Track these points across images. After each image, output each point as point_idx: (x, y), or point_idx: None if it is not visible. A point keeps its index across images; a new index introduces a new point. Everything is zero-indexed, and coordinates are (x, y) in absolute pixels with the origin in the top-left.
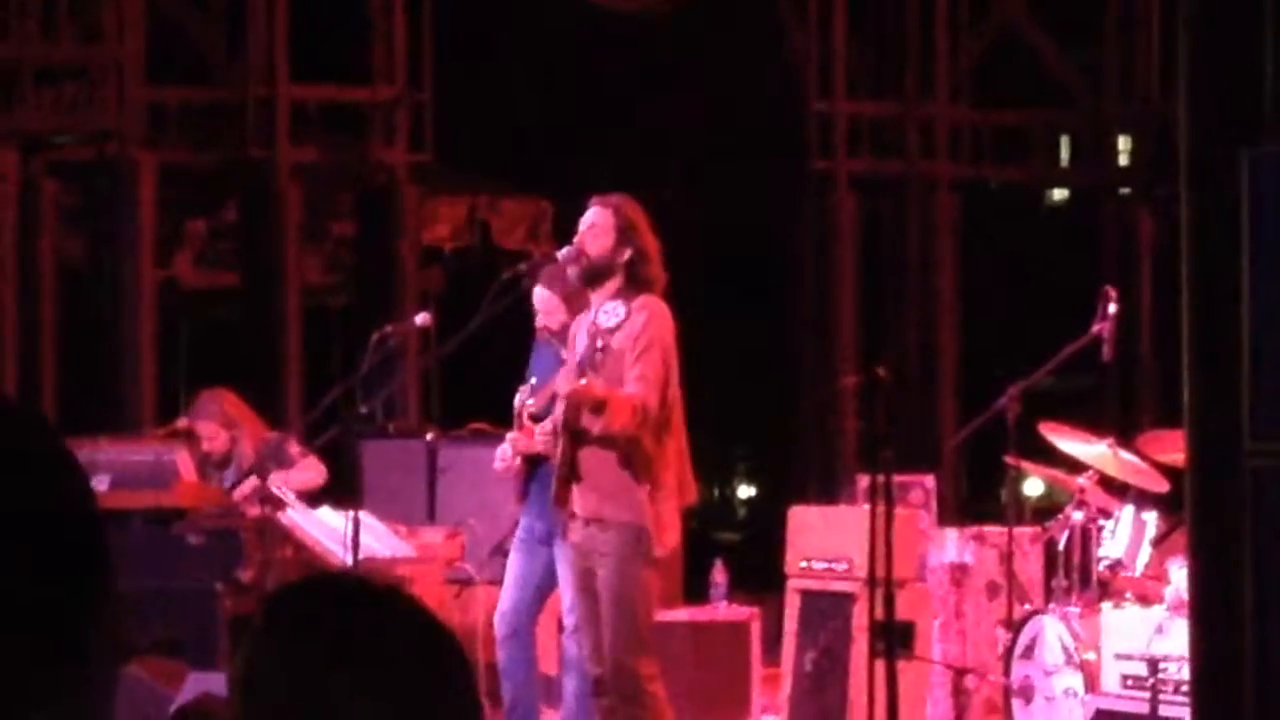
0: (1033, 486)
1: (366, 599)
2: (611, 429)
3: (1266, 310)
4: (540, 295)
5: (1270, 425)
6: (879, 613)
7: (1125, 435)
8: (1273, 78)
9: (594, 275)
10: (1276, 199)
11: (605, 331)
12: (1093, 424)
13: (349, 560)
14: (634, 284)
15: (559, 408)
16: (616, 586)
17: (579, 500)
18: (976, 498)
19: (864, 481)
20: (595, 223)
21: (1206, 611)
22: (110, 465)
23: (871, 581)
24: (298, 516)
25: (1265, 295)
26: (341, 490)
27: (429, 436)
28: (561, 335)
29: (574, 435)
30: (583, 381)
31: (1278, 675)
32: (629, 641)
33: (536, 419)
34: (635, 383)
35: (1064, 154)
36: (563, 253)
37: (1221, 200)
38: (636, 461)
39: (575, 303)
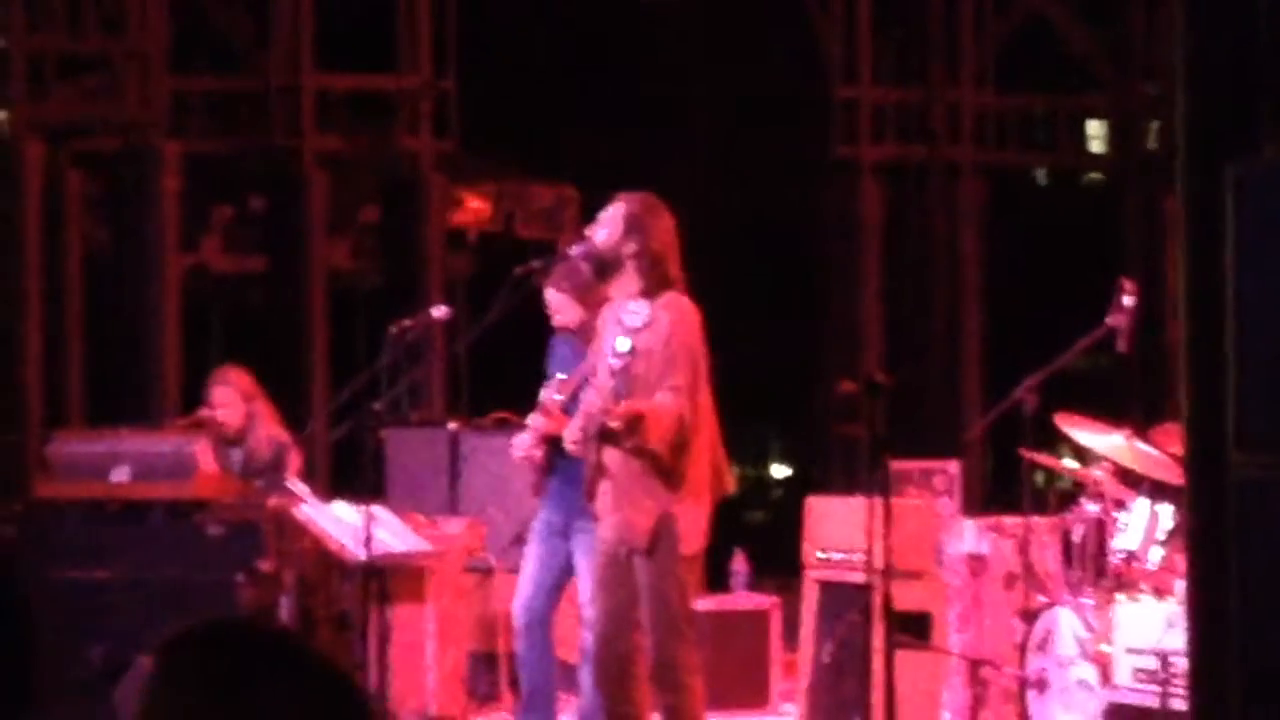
0: (1067, 465)
1: (260, 646)
2: (650, 444)
3: (1251, 326)
4: (551, 297)
5: (1254, 438)
6: (891, 610)
7: (1151, 419)
8: (1267, 91)
9: (602, 267)
10: (1262, 213)
11: (631, 331)
12: (1119, 406)
13: (362, 555)
14: (656, 283)
15: (589, 413)
16: (652, 579)
17: (610, 500)
18: (1005, 485)
19: (892, 467)
20: (605, 215)
21: (1201, 609)
22: (131, 456)
23: (869, 576)
24: (312, 512)
25: (1250, 311)
26: (358, 485)
27: (451, 426)
28: (579, 332)
29: (605, 439)
30: (611, 421)
31: (1264, 677)
32: (669, 631)
33: (566, 412)
34: (669, 393)
35: (1090, 138)
36: (574, 249)
37: (1217, 211)
38: (658, 464)
39: (590, 297)
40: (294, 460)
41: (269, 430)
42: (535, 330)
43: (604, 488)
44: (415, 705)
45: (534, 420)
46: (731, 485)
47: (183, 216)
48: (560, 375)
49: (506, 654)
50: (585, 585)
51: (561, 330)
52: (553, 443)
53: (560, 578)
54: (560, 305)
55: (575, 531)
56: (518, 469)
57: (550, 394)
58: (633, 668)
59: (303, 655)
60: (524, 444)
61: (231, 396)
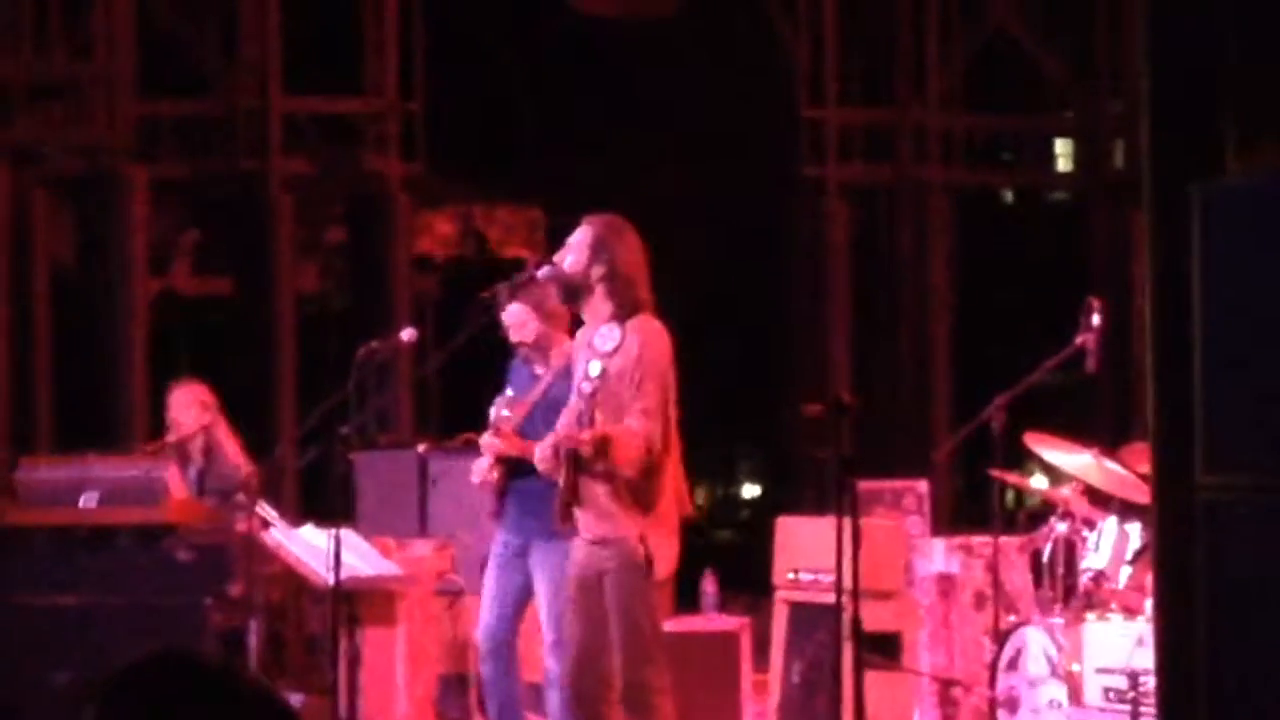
0: (1035, 485)
1: (195, 684)
2: (619, 467)
3: (1218, 348)
4: (509, 311)
5: (1221, 458)
6: (860, 630)
7: (1120, 437)
8: (1231, 112)
9: (570, 292)
10: (1227, 234)
11: (603, 355)
12: (1088, 424)
13: (331, 578)
14: (627, 306)
15: (557, 435)
16: (623, 601)
17: (582, 521)
18: (975, 504)
19: (862, 487)
20: (572, 239)
21: (1168, 629)
22: (100, 481)
23: (838, 597)
24: (281, 536)
25: (1217, 333)
26: (326, 508)
27: (420, 448)
28: (537, 346)
29: (576, 461)
30: (584, 434)
31: (1231, 696)
32: (638, 654)
33: (520, 434)
34: (639, 417)
35: (1057, 156)
36: (541, 271)
37: (1183, 231)
38: (629, 487)
39: (546, 309)
40: (255, 485)
41: (228, 453)
42: (503, 352)
43: (576, 511)
44: None
45: (487, 442)
46: (690, 508)
47: (150, 240)
48: (510, 393)
49: (476, 676)
50: (545, 607)
51: (519, 345)
52: (507, 464)
53: (521, 600)
54: (516, 318)
55: (534, 553)
56: (485, 491)
57: (499, 411)
58: (608, 692)
59: (241, 690)
60: (482, 468)
61: (189, 401)
